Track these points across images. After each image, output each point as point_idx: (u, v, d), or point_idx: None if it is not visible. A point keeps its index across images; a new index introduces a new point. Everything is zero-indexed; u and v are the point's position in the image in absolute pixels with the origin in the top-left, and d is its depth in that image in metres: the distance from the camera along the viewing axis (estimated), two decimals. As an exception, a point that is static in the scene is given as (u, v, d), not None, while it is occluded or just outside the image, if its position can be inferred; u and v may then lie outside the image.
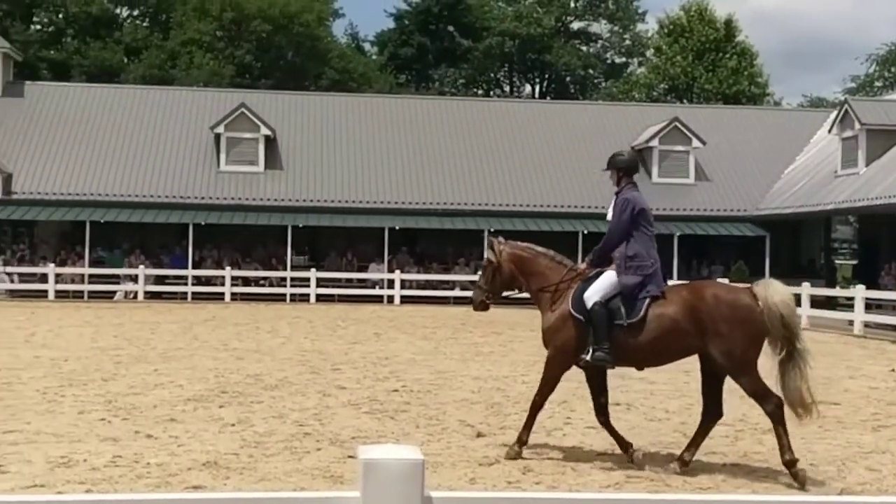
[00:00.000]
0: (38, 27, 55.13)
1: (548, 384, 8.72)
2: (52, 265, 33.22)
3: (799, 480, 7.84)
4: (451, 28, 62.09)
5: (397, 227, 35.06)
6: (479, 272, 9.42)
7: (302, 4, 52.66)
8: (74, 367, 14.14)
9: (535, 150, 38.30)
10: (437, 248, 37.01)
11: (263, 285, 34.23)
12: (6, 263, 34.63)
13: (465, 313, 23.94)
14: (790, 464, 7.92)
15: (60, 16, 54.24)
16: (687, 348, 8.30)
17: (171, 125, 37.76)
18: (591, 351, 8.29)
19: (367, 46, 66.38)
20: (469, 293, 33.81)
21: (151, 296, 32.79)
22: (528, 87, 68.34)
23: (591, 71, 66.72)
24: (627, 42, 67.29)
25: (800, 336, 8.17)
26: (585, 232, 33.97)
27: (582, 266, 8.80)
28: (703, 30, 59.36)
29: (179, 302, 31.97)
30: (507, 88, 67.40)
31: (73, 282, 33.53)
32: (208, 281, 33.99)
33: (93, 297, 32.53)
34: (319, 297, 33.06)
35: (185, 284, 33.50)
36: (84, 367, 14.16)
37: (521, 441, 8.61)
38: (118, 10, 56.86)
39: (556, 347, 8.61)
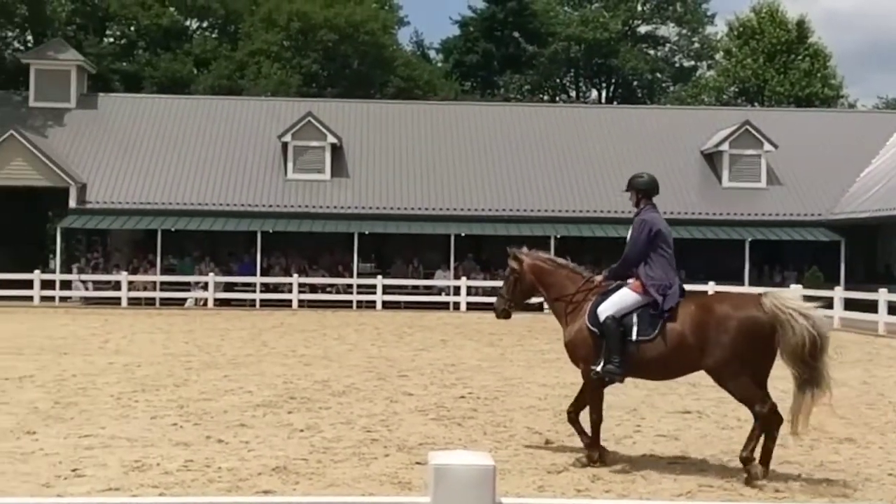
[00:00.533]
0: (111, 40, 56.39)
1: (594, 398, 8.83)
2: (124, 273, 33.87)
3: (751, 476, 7.94)
4: (516, 34, 61.98)
5: (463, 234, 35.08)
6: (503, 281, 9.80)
7: (367, 13, 53.09)
8: (147, 373, 14.37)
9: (601, 156, 38.01)
10: (503, 255, 36.86)
11: (330, 292, 34.47)
12: (81, 271, 35.43)
13: (532, 320, 23.81)
14: (746, 460, 8.03)
15: (132, 28, 55.42)
16: (692, 364, 8.42)
17: (239, 134, 38.30)
18: (602, 363, 8.48)
19: (432, 54, 66.65)
20: (536, 299, 33.72)
21: (221, 303, 33.25)
22: (594, 93, 67.93)
23: (658, 75, 66.06)
24: (696, 45, 66.52)
25: (822, 356, 7.94)
26: (653, 238, 33.67)
27: (598, 278, 9.01)
28: (774, 31, 58.41)
29: (248, 309, 32.35)
30: (573, 94, 67.03)
31: (145, 289, 34.13)
32: (276, 288, 34.35)
33: (164, 304, 33.08)
34: (386, 304, 33.20)
35: (254, 292, 33.89)
36: (156, 373, 14.38)
37: (592, 459, 8.64)
38: (188, 22, 57.90)
39: (584, 361, 8.77)
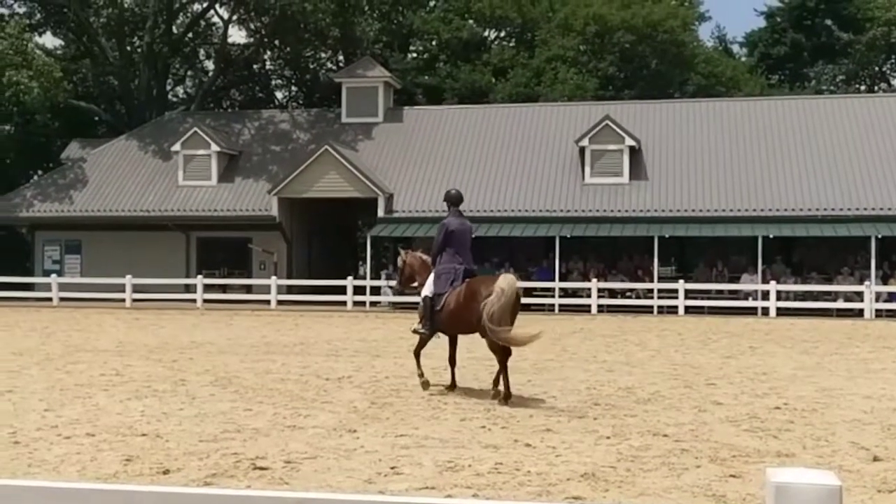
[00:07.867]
0: (414, 55, 59.00)
1: (419, 345, 13.37)
2: (429, 278, 35.13)
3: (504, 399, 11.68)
4: (828, 21, 58.50)
5: (772, 236, 33.45)
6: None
7: (666, 11, 52.01)
8: (453, 376, 14.72)
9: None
10: (817, 257, 34.87)
11: (630, 297, 34.04)
12: (389, 277, 37.22)
13: (851, 326, 22.26)
14: (507, 397, 11.79)
15: (434, 43, 57.66)
16: (474, 324, 11.82)
17: (536, 140, 38.76)
18: (418, 325, 13.08)
19: (735, 48, 64.34)
20: (853, 304, 31.50)
21: (521, 308, 33.63)
22: (920, 81, 62.60)
23: None
24: None
25: (492, 314, 11.43)
26: None
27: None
28: None
29: (547, 314, 32.58)
30: (894, 83, 62.17)
31: (449, 294, 35.23)
32: (574, 293, 34.38)
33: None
34: (688, 309, 32.31)
35: (552, 297, 34.10)
36: (461, 377, 14.72)
37: (419, 374, 13.10)
38: (486, 33, 59.43)
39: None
